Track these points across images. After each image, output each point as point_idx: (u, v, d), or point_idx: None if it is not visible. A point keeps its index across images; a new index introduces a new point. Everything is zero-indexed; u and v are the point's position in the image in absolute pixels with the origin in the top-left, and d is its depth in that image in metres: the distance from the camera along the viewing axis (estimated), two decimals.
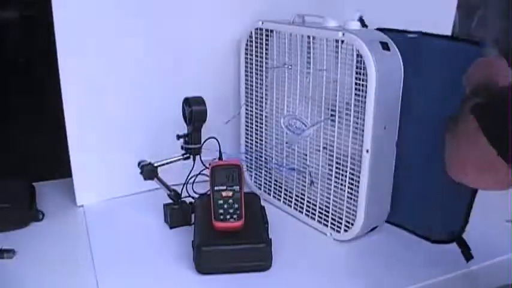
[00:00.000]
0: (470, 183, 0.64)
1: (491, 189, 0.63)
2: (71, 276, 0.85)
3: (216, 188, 0.89)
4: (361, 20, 0.90)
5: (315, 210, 0.99)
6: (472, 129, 0.58)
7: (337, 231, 0.95)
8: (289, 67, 0.99)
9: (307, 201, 1.01)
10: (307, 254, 0.92)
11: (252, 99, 1.10)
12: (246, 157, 1.15)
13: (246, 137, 1.14)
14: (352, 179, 0.91)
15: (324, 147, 0.95)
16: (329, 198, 0.96)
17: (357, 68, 0.86)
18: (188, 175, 1.00)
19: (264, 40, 1.03)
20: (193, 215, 0.97)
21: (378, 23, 0.89)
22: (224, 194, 0.88)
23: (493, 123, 0.57)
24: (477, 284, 0.88)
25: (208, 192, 0.90)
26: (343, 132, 0.91)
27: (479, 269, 0.88)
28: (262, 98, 1.07)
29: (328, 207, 0.96)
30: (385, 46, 0.86)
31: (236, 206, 0.88)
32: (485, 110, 0.58)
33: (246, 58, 1.08)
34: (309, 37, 0.93)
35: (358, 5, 0.94)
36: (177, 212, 0.99)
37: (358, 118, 0.87)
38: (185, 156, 0.98)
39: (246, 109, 1.12)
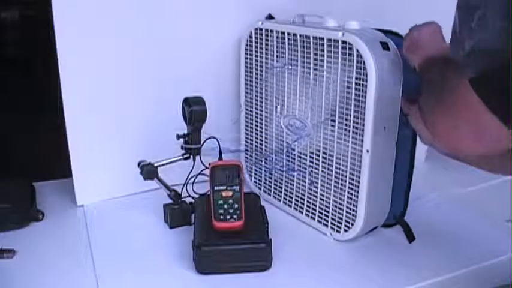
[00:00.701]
0: (463, 151, 0.67)
1: (485, 153, 0.67)
2: (71, 276, 0.85)
3: (216, 188, 0.89)
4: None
5: (315, 210, 0.99)
6: (468, 100, 0.60)
7: (337, 231, 0.95)
8: (289, 67, 0.99)
9: (307, 201, 1.01)
10: (307, 254, 0.92)
11: (252, 99, 1.10)
12: (246, 157, 1.15)
13: (246, 137, 1.14)
14: (352, 179, 0.91)
15: (324, 147, 0.95)
16: (329, 198, 0.96)
17: (357, 68, 0.86)
18: (188, 175, 1.00)
19: (264, 40, 1.03)
20: (193, 215, 0.97)
21: (377, 24, 0.89)
22: (224, 194, 0.88)
23: (494, 94, 0.59)
24: (477, 284, 0.88)
25: (208, 192, 0.90)
26: (343, 132, 0.91)
27: (479, 269, 0.88)
28: (262, 98, 1.07)
29: (328, 207, 0.96)
30: (385, 46, 0.86)
31: (236, 206, 0.88)
32: (484, 83, 0.60)
33: (246, 58, 1.08)
34: (308, 37, 0.93)
35: (358, 5, 0.94)
36: (177, 212, 0.99)
37: (358, 118, 0.87)
38: (185, 156, 0.98)
39: (246, 109, 1.12)
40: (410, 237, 0.95)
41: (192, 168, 0.99)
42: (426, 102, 0.74)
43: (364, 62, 0.84)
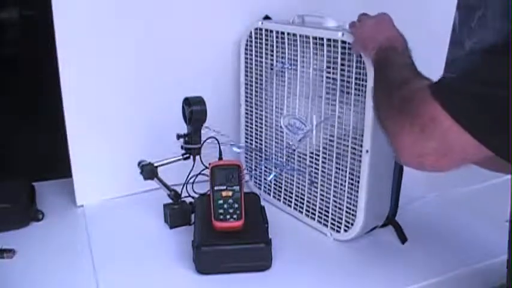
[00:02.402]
0: (428, 167, 0.63)
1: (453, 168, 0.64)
2: (71, 275, 0.85)
3: (216, 188, 0.89)
4: None
5: (315, 210, 0.99)
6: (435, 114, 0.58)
7: (337, 231, 0.95)
8: (289, 67, 0.99)
9: (307, 201, 1.01)
10: (307, 254, 0.92)
11: (252, 99, 1.10)
12: (246, 157, 1.15)
13: (246, 137, 1.14)
14: (352, 179, 0.91)
15: (323, 147, 0.95)
16: (329, 198, 0.96)
17: (356, 67, 0.86)
18: (188, 175, 1.00)
19: (263, 40, 1.03)
20: (193, 215, 0.97)
21: None
22: (224, 194, 0.88)
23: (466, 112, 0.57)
24: (477, 284, 0.88)
25: (208, 192, 0.90)
26: (343, 132, 0.91)
27: (479, 269, 0.88)
28: (262, 98, 1.07)
29: (328, 207, 0.96)
30: None
31: (236, 206, 0.88)
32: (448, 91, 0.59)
33: (246, 58, 1.08)
34: (308, 37, 0.93)
35: (358, 5, 0.94)
36: (177, 212, 0.99)
37: (358, 118, 0.87)
38: (185, 156, 0.98)
39: (246, 109, 1.12)
40: (403, 238, 0.95)
41: (192, 168, 0.99)
42: (382, 102, 0.72)
43: (363, 62, 0.84)
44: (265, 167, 1.10)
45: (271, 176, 1.07)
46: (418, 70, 0.70)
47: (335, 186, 0.94)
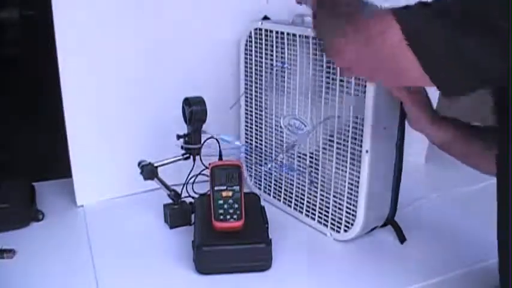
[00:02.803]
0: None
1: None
2: (71, 276, 0.85)
3: (216, 188, 0.89)
4: None
5: (315, 210, 0.99)
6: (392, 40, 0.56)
7: (337, 231, 0.95)
8: (289, 67, 0.99)
9: (307, 201, 1.01)
10: (307, 254, 0.92)
11: (252, 99, 1.10)
12: (246, 156, 1.15)
13: (246, 137, 1.14)
14: (352, 179, 0.91)
15: (323, 147, 0.95)
16: (329, 198, 0.96)
17: None
18: (188, 175, 1.00)
19: (263, 40, 1.03)
20: (193, 215, 0.97)
21: None
22: (224, 194, 0.88)
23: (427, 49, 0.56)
24: (477, 284, 0.88)
25: (208, 192, 0.90)
26: (342, 132, 0.91)
27: (479, 269, 0.88)
28: (262, 97, 1.07)
29: (328, 207, 0.96)
30: None
31: (236, 206, 0.88)
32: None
33: (246, 58, 1.08)
34: (308, 37, 0.93)
35: None
36: (177, 212, 0.99)
37: (357, 118, 0.87)
38: (185, 156, 0.98)
39: (246, 109, 1.12)
40: (402, 238, 0.95)
41: (192, 168, 0.99)
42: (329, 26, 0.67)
43: None
44: (265, 166, 1.10)
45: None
46: None
47: (335, 186, 0.94)
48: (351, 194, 0.91)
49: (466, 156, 0.86)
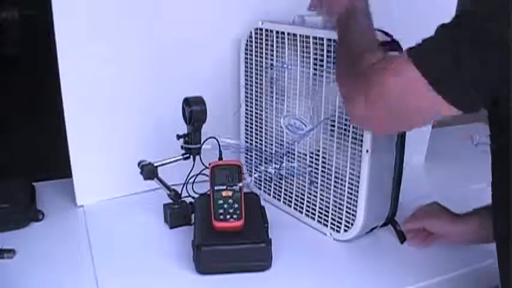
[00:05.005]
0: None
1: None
2: (71, 276, 0.85)
3: (216, 187, 0.89)
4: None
5: (315, 210, 0.99)
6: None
7: (337, 231, 0.95)
8: (289, 67, 0.99)
9: (307, 201, 1.01)
10: (307, 254, 0.92)
11: (252, 99, 1.10)
12: (246, 157, 1.15)
13: (246, 137, 1.14)
14: (352, 179, 0.91)
15: (323, 147, 0.95)
16: (329, 198, 0.96)
17: None
18: (188, 175, 1.00)
19: (263, 40, 1.03)
20: (193, 215, 0.97)
21: (377, 25, 0.89)
22: (224, 193, 0.88)
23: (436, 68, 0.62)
24: (477, 284, 0.88)
25: (208, 192, 0.90)
26: (343, 132, 0.91)
27: (479, 269, 0.88)
28: (262, 98, 1.07)
29: (328, 207, 0.96)
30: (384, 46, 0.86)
31: (236, 206, 0.88)
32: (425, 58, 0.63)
33: (246, 58, 1.08)
34: (308, 37, 0.93)
35: None
36: (177, 212, 0.99)
37: None
38: (185, 156, 0.98)
39: (246, 109, 1.12)
40: (402, 237, 0.95)
41: (192, 168, 0.99)
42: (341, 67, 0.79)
43: None
44: (265, 167, 1.10)
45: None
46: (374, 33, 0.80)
47: (335, 186, 0.94)
48: (351, 194, 0.91)
49: None
